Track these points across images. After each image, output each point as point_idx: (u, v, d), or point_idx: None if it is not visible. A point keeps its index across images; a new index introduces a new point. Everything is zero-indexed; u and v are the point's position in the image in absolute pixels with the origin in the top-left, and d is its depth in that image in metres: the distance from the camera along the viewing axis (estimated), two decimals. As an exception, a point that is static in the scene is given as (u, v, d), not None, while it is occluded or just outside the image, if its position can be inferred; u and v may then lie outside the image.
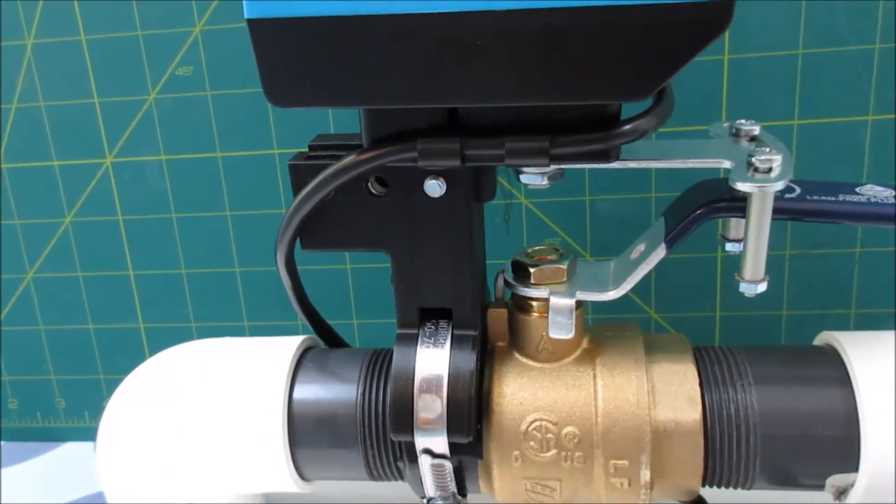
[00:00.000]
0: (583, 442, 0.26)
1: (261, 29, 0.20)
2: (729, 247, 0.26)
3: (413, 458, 0.26)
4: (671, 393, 0.26)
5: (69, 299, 0.43)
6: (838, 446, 0.25)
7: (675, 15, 0.18)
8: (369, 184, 0.25)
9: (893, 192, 0.23)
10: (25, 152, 0.41)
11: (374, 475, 0.28)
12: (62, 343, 0.44)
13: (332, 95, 0.21)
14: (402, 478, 0.28)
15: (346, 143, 0.25)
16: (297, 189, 0.25)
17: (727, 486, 0.27)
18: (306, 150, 0.26)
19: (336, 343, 0.31)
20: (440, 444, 0.25)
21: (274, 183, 0.39)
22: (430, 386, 0.25)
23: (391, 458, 0.27)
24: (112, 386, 0.44)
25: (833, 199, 0.23)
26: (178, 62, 0.38)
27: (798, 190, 0.23)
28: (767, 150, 0.22)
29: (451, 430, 0.25)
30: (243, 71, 0.38)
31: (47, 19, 0.38)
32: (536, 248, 0.27)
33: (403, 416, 0.25)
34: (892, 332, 0.27)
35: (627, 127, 0.21)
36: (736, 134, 0.25)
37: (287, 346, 0.30)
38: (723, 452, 0.26)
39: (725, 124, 0.26)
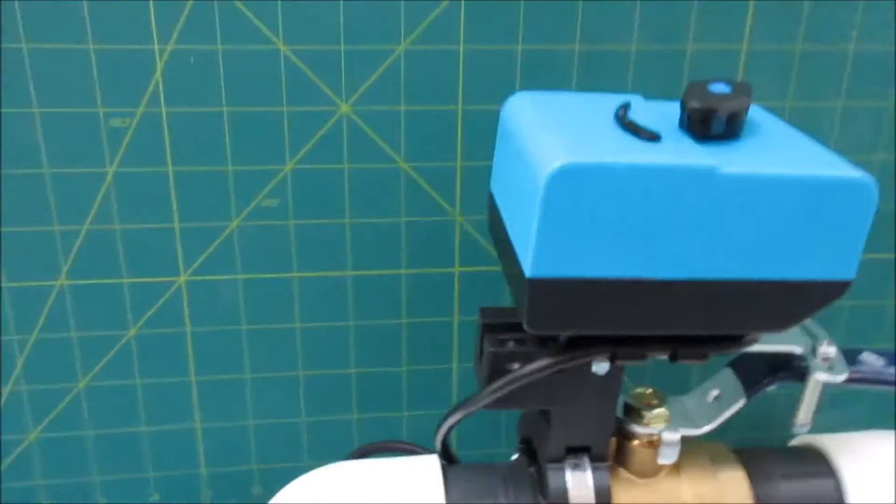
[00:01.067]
0: (680, 537, 0.35)
1: (538, 284, 0.27)
2: (768, 388, 0.37)
3: (555, 561, 0.34)
4: (733, 493, 0.36)
5: (124, 405, 0.45)
6: (834, 523, 0.37)
7: (811, 286, 0.28)
8: (547, 362, 0.32)
9: (884, 363, 0.35)
10: (93, 270, 0.42)
11: (513, 574, 0.36)
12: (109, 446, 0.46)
13: (578, 323, 0.28)
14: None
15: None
16: (494, 371, 0.31)
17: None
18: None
19: (452, 460, 0.38)
20: (590, 551, 0.34)
21: (344, 301, 0.44)
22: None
23: (533, 562, 0.35)
24: (160, 483, 0.47)
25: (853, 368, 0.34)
26: (265, 195, 0.42)
27: (874, 364, 0.34)
28: (826, 342, 0.33)
29: (600, 540, 0.33)
30: (324, 203, 0.42)
31: (135, 149, 0.40)
32: (638, 391, 0.36)
33: (563, 533, 0.33)
34: (864, 433, 0.39)
35: (748, 338, 0.31)
36: (783, 314, 0.35)
37: (430, 467, 0.36)
38: (766, 534, 0.36)
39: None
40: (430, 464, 0.36)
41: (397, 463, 0.37)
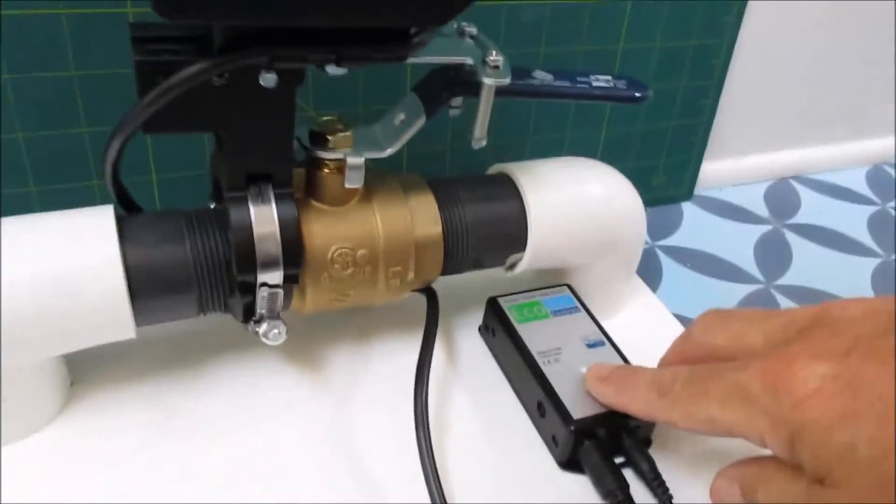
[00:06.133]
0: (371, 259, 0.36)
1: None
2: (451, 112, 0.37)
3: (245, 292, 0.34)
4: (422, 217, 0.37)
5: None
6: (516, 237, 0.40)
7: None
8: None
9: (552, 77, 0.36)
10: None
11: (203, 312, 0.35)
12: None
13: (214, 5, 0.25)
14: (226, 309, 0.35)
15: (181, 36, 0.29)
16: (144, 83, 0.28)
17: (452, 273, 0.40)
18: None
19: (134, 209, 0.35)
20: (277, 277, 0.33)
21: None
22: (267, 234, 0.33)
23: (222, 296, 0.34)
24: None
25: (567, 84, 0.36)
26: None
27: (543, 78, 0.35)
28: (494, 52, 0.33)
29: (287, 265, 0.33)
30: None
31: None
32: (323, 119, 0.35)
33: (248, 260, 0.32)
34: (543, 161, 0.42)
35: (416, 40, 0.30)
36: (461, 33, 0.35)
37: (103, 215, 0.33)
38: (454, 252, 0.39)
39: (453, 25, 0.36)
40: (103, 213, 0.33)
41: (68, 215, 0.34)
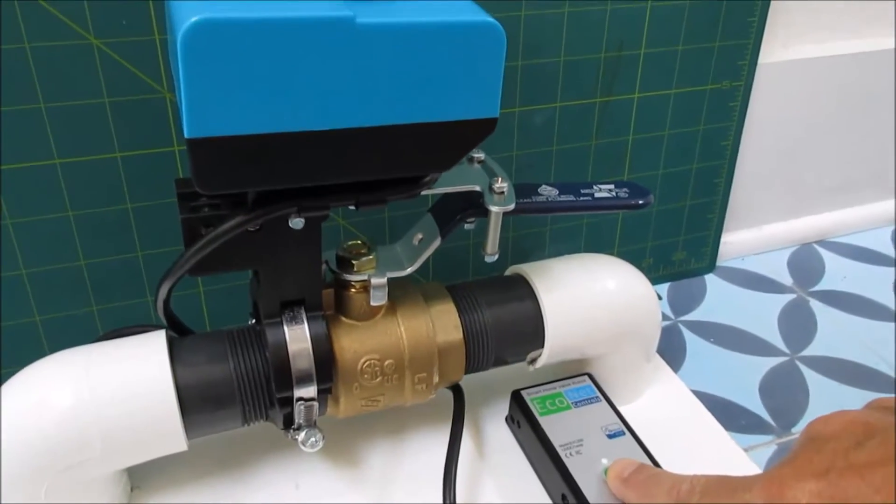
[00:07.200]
0: (398, 368, 0.39)
1: (197, 144, 0.27)
2: (466, 226, 0.41)
3: (284, 405, 0.37)
4: (444, 324, 0.40)
5: None
6: (534, 335, 0.43)
7: (463, 125, 0.31)
8: (245, 223, 0.33)
9: (557, 192, 0.39)
10: None
11: (247, 423, 0.38)
12: None
13: (246, 180, 0.29)
14: (268, 419, 0.39)
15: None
16: (189, 235, 0.32)
17: (476, 371, 0.43)
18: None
19: (184, 332, 0.39)
20: (311, 391, 0.37)
21: (58, 190, 0.43)
22: (301, 354, 0.36)
23: (264, 408, 0.38)
24: None
25: (571, 198, 0.39)
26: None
27: (549, 194, 0.38)
28: (499, 179, 0.37)
29: (320, 381, 0.36)
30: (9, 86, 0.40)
31: None
32: (349, 244, 0.38)
33: (284, 378, 0.36)
34: (556, 259, 0.45)
35: (424, 181, 0.34)
36: (470, 160, 0.39)
37: (156, 341, 0.37)
38: (475, 353, 0.41)
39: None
40: (156, 339, 0.37)
41: (125, 343, 0.38)
